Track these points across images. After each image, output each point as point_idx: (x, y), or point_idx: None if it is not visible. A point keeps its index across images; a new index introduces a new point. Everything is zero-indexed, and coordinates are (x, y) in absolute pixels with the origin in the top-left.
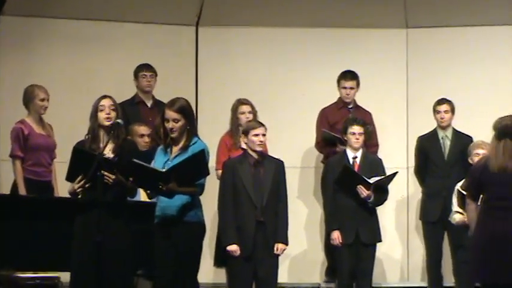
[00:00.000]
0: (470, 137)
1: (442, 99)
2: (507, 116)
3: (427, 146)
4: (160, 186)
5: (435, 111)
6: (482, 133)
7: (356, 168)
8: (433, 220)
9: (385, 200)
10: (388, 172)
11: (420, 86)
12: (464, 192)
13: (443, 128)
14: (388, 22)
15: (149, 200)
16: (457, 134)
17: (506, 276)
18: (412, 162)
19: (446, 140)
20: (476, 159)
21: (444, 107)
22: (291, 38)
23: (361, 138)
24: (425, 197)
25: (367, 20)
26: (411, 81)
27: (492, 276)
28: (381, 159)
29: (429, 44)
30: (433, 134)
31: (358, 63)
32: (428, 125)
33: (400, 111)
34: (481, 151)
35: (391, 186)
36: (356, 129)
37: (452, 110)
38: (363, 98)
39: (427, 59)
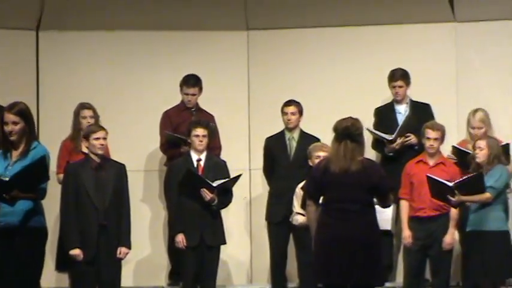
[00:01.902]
0: (318, 139)
1: (290, 100)
2: (347, 118)
3: (273, 147)
4: (3, 195)
5: (283, 113)
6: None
7: (200, 171)
8: (278, 221)
9: (229, 202)
10: (232, 174)
11: (262, 88)
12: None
13: (291, 130)
14: (229, 24)
15: None
16: (304, 135)
17: (347, 277)
18: (254, 164)
19: (292, 142)
20: (317, 161)
21: (291, 109)
22: (133, 41)
23: (205, 141)
24: (270, 198)
25: (208, 22)
26: (252, 83)
27: (334, 278)
28: (224, 162)
29: (270, 45)
30: (280, 135)
31: (200, 65)
32: (270, 126)
33: (242, 114)
34: (322, 153)
35: (234, 189)
36: (199, 131)
37: (300, 112)
38: (205, 100)
39: (268, 61)
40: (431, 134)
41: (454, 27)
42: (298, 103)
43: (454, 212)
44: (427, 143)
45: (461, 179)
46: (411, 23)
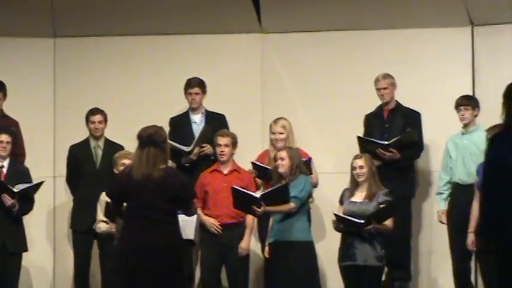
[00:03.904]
0: (122, 147)
1: (95, 109)
2: (151, 126)
3: (78, 155)
4: None
5: (89, 121)
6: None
7: (3, 177)
8: (83, 229)
9: (31, 209)
10: (36, 181)
11: (68, 95)
12: (109, 200)
13: (96, 138)
14: (36, 31)
15: None
16: (109, 143)
17: (145, 286)
18: (59, 172)
19: (98, 150)
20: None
21: (98, 117)
22: None
23: (9, 147)
24: (75, 206)
25: (14, 28)
26: (59, 90)
27: (135, 286)
28: (27, 168)
29: (77, 53)
30: (85, 143)
31: (5, 71)
32: (76, 134)
33: (48, 120)
34: (127, 161)
35: (38, 196)
36: (3, 137)
37: (106, 120)
38: (10, 106)
39: (75, 68)
40: (220, 140)
41: (260, 37)
42: (103, 111)
43: (250, 219)
44: (218, 150)
45: (267, 190)
46: (217, 33)
